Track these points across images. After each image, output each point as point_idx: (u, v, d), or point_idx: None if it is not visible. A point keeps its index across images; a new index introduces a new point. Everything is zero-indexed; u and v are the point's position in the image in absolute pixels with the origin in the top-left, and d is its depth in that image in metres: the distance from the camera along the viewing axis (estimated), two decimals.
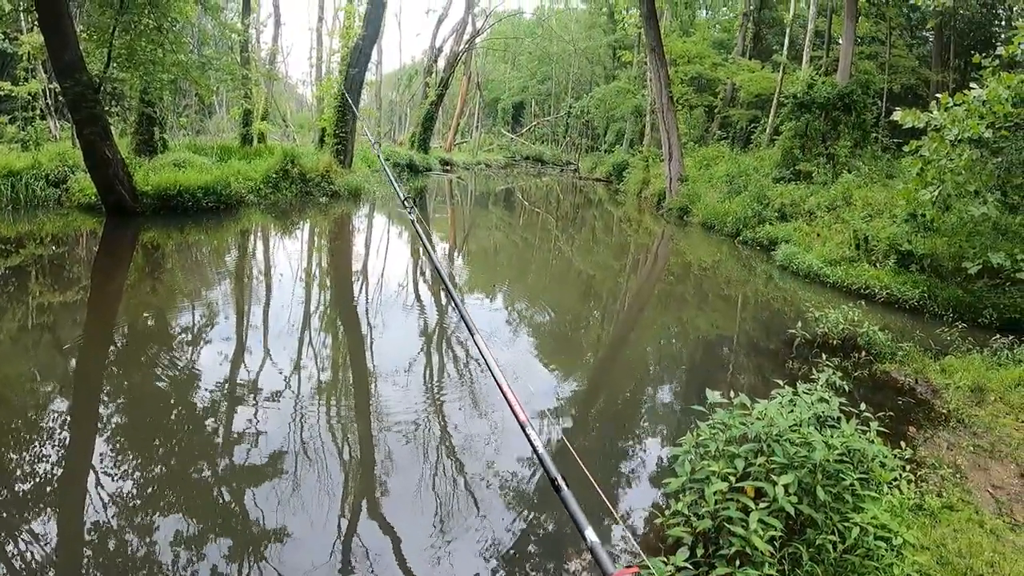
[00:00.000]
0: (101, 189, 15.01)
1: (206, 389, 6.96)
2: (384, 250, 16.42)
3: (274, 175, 20.73)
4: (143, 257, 13.12)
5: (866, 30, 26.18)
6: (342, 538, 4.58)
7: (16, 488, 4.80)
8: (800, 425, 4.01)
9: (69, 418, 6.18)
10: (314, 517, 4.73)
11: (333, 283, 12.84)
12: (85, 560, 4.19)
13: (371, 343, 8.91)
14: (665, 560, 3.59)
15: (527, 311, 11.46)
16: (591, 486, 5.00)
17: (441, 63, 42.03)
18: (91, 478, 5.09)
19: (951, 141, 9.40)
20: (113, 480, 5.04)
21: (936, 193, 10.04)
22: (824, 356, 7.41)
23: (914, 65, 26.72)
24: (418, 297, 11.93)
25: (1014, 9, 19.56)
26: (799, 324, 8.76)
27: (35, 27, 18.43)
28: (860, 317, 8.76)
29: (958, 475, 5.35)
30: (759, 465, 3.81)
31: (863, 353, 8.41)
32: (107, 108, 17.40)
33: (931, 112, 9.55)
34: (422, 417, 6.50)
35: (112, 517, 4.59)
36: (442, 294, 12.19)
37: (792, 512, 3.54)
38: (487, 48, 52.86)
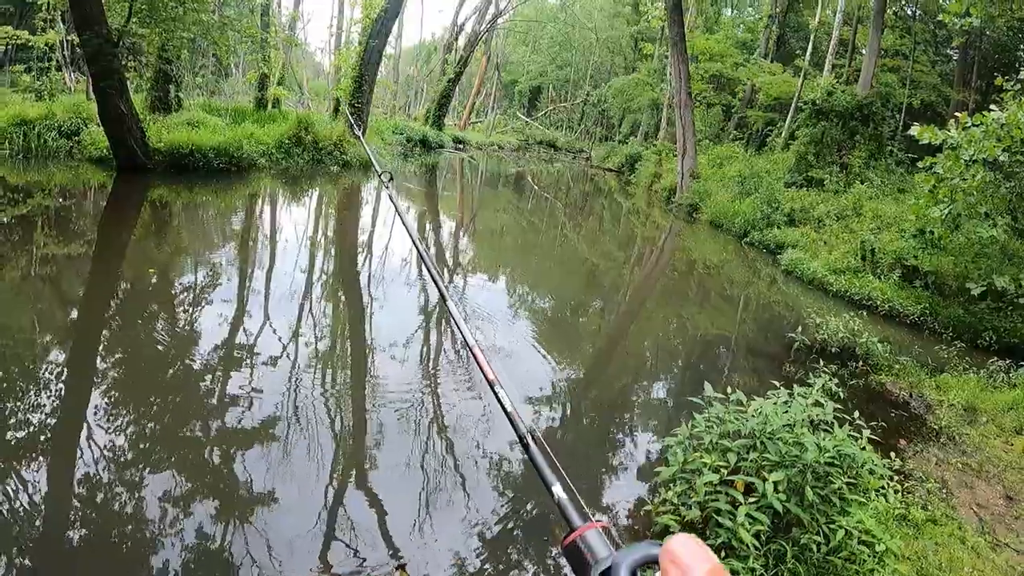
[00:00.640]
0: (113, 143, 15.00)
1: (203, 350, 7.00)
2: (390, 222, 16.43)
3: (287, 141, 20.72)
4: (150, 214, 13.14)
5: (891, 43, 25.98)
6: (328, 506, 4.63)
7: (8, 438, 4.85)
8: (794, 426, 4.05)
9: (65, 370, 6.22)
10: (302, 483, 4.78)
11: (337, 253, 12.86)
12: (73, 511, 4.23)
13: (371, 315, 8.95)
14: None
15: (528, 295, 11.50)
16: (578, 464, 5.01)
17: (461, 41, 41.78)
18: (83, 431, 5.14)
19: (966, 161, 9.38)
20: (105, 434, 5.08)
21: (946, 211, 10.03)
22: (822, 362, 7.47)
23: (936, 82, 26.54)
24: (420, 271, 11.96)
25: None
26: (799, 329, 8.80)
27: None
28: (860, 327, 8.79)
29: (944, 490, 5.41)
30: (751, 461, 3.86)
31: (860, 363, 8.45)
32: (124, 63, 17.35)
33: (948, 130, 9.52)
34: (416, 391, 6.54)
35: (103, 470, 4.63)
36: (444, 272, 12.24)
37: (780, 509, 3.59)
38: (508, 29, 52.53)
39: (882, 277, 12.09)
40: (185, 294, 8.87)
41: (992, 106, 9.25)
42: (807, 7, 33.54)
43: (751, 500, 3.65)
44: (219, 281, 9.54)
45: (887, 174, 17.82)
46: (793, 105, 26.46)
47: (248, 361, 6.86)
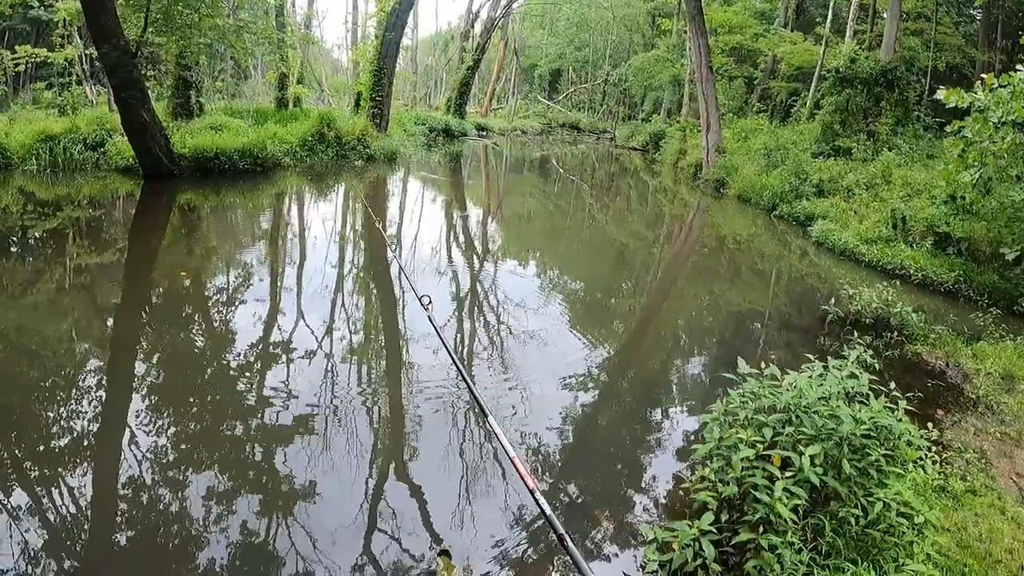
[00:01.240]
0: (138, 152, 15.27)
1: (239, 349, 7.17)
2: (418, 214, 16.54)
3: (310, 138, 20.94)
4: (180, 219, 13.37)
5: (912, 5, 25.32)
6: (368, 496, 4.74)
7: (55, 444, 5.02)
8: (829, 398, 4.04)
9: (106, 377, 6.41)
10: (342, 475, 4.89)
11: (367, 247, 12.99)
12: (119, 513, 4.39)
13: (403, 307, 9.05)
14: (690, 523, 3.69)
15: (559, 278, 11.55)
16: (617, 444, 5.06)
17: (478, 28, 41.73)
18: (127, 434, 5.30)
19: (994, 123, 9.16)
20: (148, 436, 5.24)
21: (977, 176, 9.81)
22: (856, 334, 7.39)
23: (960, 44, 25.83)
24: (451, 262, 12.05)
25: None
26: (832, 301, 8.71)
27: None
28: (894, 297, 8.68)
29: (983, 460, 5.34)
30: (787, 435, 3.87)
31: (895, 333, 8.35)
32: (144, 72, 17.61)
33: (975, 93, 9.30)
34: (452, 381, 6.64)
35: (147, 472, 4.79)
36: (475, 259, 12.34)
37: (817, 483, 3.60)
38: (524, 14, 52.31)
39: (914, 245, 11.89)
40: (219, 295, 9.06)
41: (1019, 66, 9.02)
42: None
43: (788, 475, 3.66)
44: (251, 280, 9.72)
45: (915, 140, 17.46)
46: (816, 74, 26.01)
47: (285, 358, 7.00)
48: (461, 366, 4.16)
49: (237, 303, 8.74)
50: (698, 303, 10.65)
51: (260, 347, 7.24)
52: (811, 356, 4.77)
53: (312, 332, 7.77)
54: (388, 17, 24.15)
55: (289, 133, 20.63)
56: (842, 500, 3.76)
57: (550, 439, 5.71)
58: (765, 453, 3.79)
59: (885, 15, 21.65)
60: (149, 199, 14.61)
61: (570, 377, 6.93)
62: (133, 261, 10.40)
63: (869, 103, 18.73)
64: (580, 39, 56.63)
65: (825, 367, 4.43)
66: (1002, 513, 4.48)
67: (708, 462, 4.05)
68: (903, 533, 3.74)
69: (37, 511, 4.26)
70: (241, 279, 9.73)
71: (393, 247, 12.69)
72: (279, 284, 9.75)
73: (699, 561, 3.60)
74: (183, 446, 5.13)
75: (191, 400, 5.97)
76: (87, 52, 22.41)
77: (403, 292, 9.71)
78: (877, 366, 5.26)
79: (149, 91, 16.08)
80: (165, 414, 5.61)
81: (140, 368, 6.66)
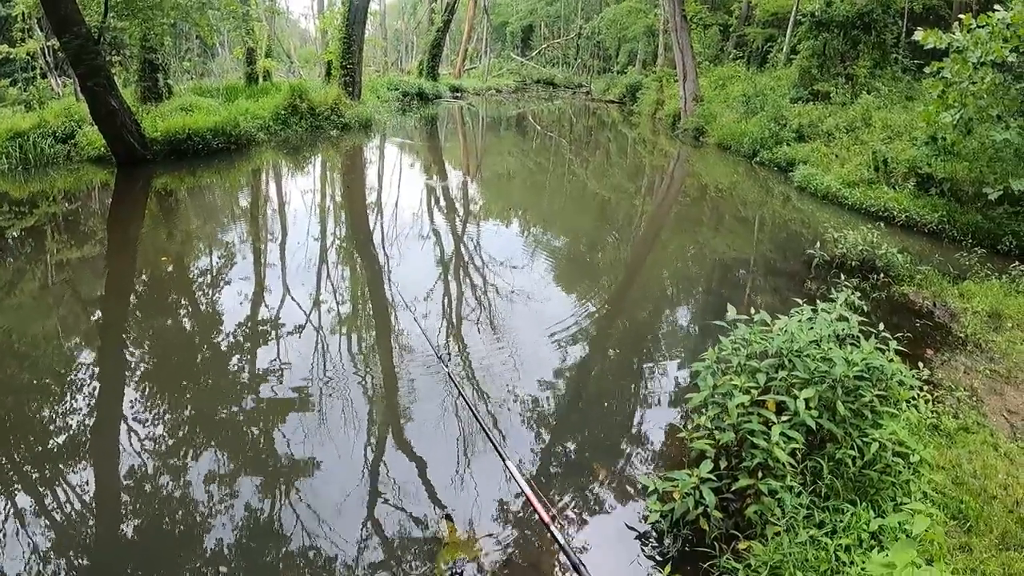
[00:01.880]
0: (110, 140, 14.92)
1: (229, 329, 7.11)
2: (397, 180, 16.35)
3: (283, 111, 20.59)
4: (157, 204, 13.14)
5: None
6: (368, 466, 4.75)
7: (53, 440, 4.98)
8: (820, 341, 4.05)
9: (97, 368, 6.34)
10: (340, 446, 4.89)
11: (348, 216, 12.86)
12: (123, 496, 4.39)
13: (388, 275, 8.98)
14: (689, 472, 3.71)
15: (543, 236, 11.51)
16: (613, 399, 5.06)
17: None
18: (123, 421, 5.28)
19: (974, 64, 9.13)
20: (144, 424, 5.21)
21: (957, 116, 9.79)
22: (843, 277, 7.42)
23: None
24: (433, 226, 11.95)
25: None
26: (817, 245, 8.73)
27: None
28: (879, 239, 8.70)
29: (974, 398, 5.40)
30: (780, 380, 3.88)
31: (881, 275, 8.39)
32: (108, 58, 17.11)
33: (953, 33, 9.24)
34: (443, 345, 6.61)
35: (145, 457, 4.78)
36: (457, 221, 12.28)
37: (813, 426, 3.62)
38: None
39: (897, 187, 11.89)
40: (204, 276, 8.95)
41: (997, 6, 8.95)
42: None
43: (784, 419, 3.68)
44: (234, 260, 9.61)
45: (894, 82, 17.35)
46: (792, 19, 25.66)
47: (274, 334, 6.96)
48: (483, 423, 4.12)
49: (222, 284, 8.63)
50: (683, 253, 10.65)
51: (248, 325, 7.18)
52: (799, 300, 4.78)
53: (299, 306, 7.71)
54: None
55: (261, 108, 20.24)
56: (838, 442, 3.80)
57: (543, 395, 5.72)
58: (760, 399, 3.81)
59: None
60: (124, 187, 14.32)
61: (559, 333, 6.93)
62: (114, 251, 10.22)
63: (846, 46, 18.56)
64: None
65: (814, 310, 4.44)
66: (995, 449, 4.53)
67: (703, 410, 4.06)
68: (899, 472, 3.78)
69: (40, 498, 4.26)
70: (224, 259, 9.61)
71: (373, 214, 12.56)
72: (263, 261, 9.64)
73: (700, 509, 3.63)
74: (180, 430, 5.10)
75: (185, 383, 5.93)
76: (49, 44, 21.75)
77: (387, 259, 9.63)
78: (865, 308, 5.29)
79: (115, 77, 15.62)
80: (160, 399, 5.58)
81: (130, 356, 6.60)
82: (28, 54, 21.59)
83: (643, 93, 32.28)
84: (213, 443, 4.95)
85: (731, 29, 33.74)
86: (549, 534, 2.50)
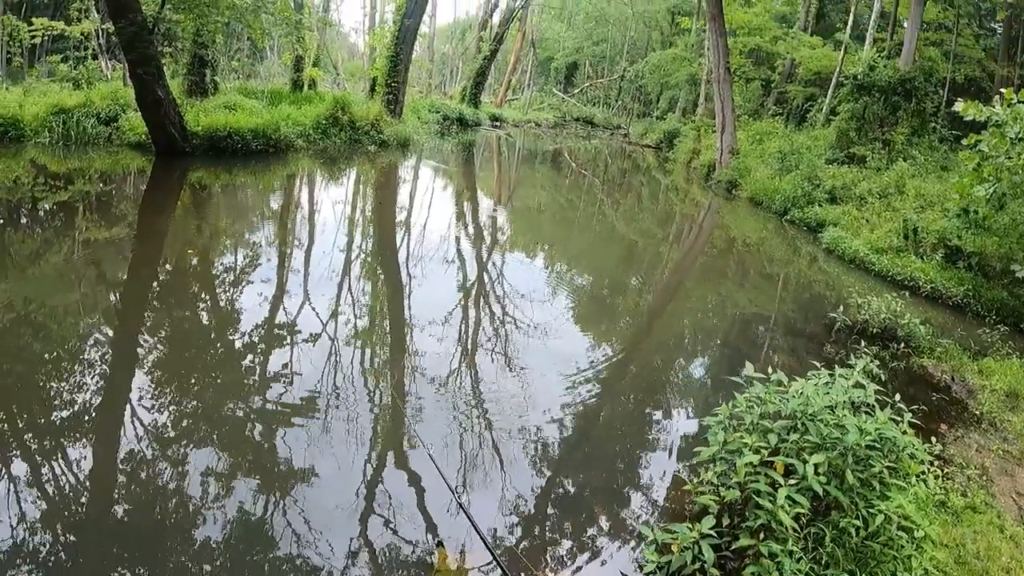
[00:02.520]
0: (152, 128, 15.25)
1: (244, 328, 7.18)
2: (428, 202, 16.50)
3: (324, 121, 20.89)
4: (191, 196, 13.38)
5: (933, 15, 25.08)
6: (367, 482, 4.74)
7: (58, 416, 5.03)
8: (835, 407, 4.02)
9: (110, 349, 6.43)
10: (341, 459, 4.90)
11: (375, 232, 12.99)
12: (122, 485, 4.41)
13: (409, 294, 9.04)
14: (690, 526, 3.68)
15: (567, 273, 11.53)
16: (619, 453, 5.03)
17: (496, 18, 41.59)
18: (128, 409, 5.32)
19: (1011, 139, 9.10)
20: (150, 412, 5.25)
21: (991, 191, 9.75)
22: (863, 343, 7.37)
23: (980, 56, 25.60)
24: (459, 251, 12.02)
25: None
26: (840, 309, 8.68)
27: None
28: (902, 308, 8.63)
29: (984, 477, 5.32)
30: (792, 442, 3.84)
31: (902, 345, 8.31)
32: (160, 49, 17.56)
33: (993, 107, 9.24)
34: (454, 370, 6.63)
35: (148, 447, 4.81)
36: (484, 249, 12.34)
37: (820, 492, 3.58)
38: (543, 5, 51.99)
39: (925, 257, 11.82)
40: (226, 273, 9.07)
41: None
42: None
43: (791, 482, 3.65)
44: (259, 260, 9.73)
45: (930, 151, 17.34)
46: (834, 80, 25.83)
47: (289, 339, 7.02)
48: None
49: (243, 282, 8.74)
50: (705, 304, 10.61)
51: (264, 327, 7.24)
52: (817, 363, 4.75)
53: (316, 314, 7.78)
54: (407, 3, 24.08)
55: (303, 115, 20.60)
56: (843, 510, 3.74)
57: (550, 432, 5.69)
58: (769, 459, 3.78)
59: (905, 24, 21.41)
60: (160, 175, 14.61)
61: (573, 372, 6.91)
62: (142, 236, 10.40)
63: (886, 112, 18.58)
64: (598, 33, 56.25)
65: (832, 375, 4.40)
66: (1001, 531, 4.46)
67: (711, 465, 4.03)
68: (902, 547, 3.71)
69: (40, 481, 4.29)
70: (249, 259, 9.73)
71: (401, 233, 12.67)
72: (286, 266, 9.75)
73: (697, 564, 3.59)
74: (184, 423, 5.14)
75: (194, 377, 5.98)
76: (104, 27, 22.36)
77: (410, 279, 9.71)
78: (883, 377, 5.25)
79: (164, 68, 16.02)
80: (167, 388, 5.63)
81: (143, 342, 6.67)
82: (82, 34, 22.16)
83: (680, 140, 32.42)
84: (214, 439, 4.99)
85: (773, 85, 33.93)
86: None
